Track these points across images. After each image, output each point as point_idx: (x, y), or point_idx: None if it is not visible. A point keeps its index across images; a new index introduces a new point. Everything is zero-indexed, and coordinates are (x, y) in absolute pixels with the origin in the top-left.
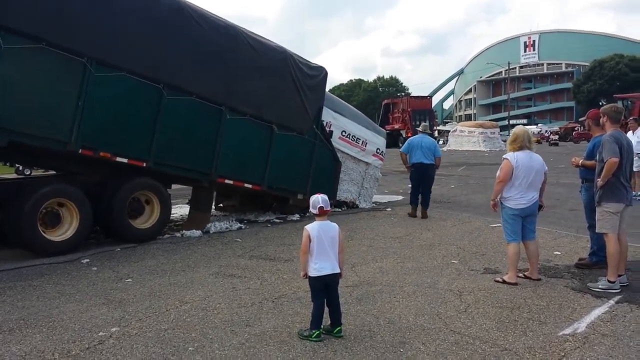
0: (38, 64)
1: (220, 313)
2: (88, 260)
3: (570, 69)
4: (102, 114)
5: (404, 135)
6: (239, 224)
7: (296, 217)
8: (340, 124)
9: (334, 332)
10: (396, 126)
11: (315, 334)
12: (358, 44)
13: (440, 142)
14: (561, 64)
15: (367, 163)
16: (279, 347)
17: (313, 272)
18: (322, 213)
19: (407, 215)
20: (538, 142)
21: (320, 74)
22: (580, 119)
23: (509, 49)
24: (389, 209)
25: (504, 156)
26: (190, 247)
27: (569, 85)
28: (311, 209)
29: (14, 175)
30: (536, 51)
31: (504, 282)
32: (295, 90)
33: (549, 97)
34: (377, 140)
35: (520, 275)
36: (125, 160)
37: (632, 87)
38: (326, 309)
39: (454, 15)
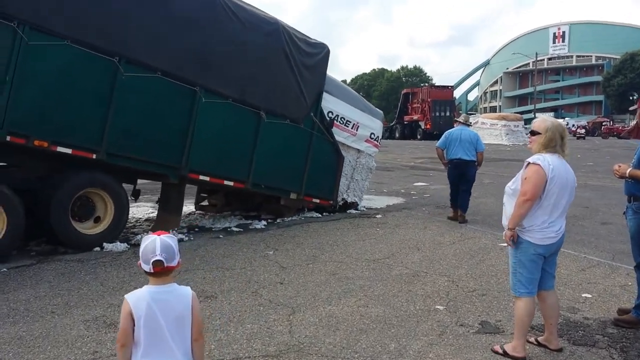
0: None
1: None
2: None
3: (600, 61)
4: (36, 91)
5: (422, 127)
6: (179, 235)
7: (261, 224)
8: (326, 103)
9: None
10: (415, 117)
11: None
12: (384, 33)
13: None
14: (591, 56)
15: (358, 150)
16: None
17: None
18: (160, 271)
19: (396, 227)
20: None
21: (321, 51)
22: (631, 108)
23: (537, 40)
24: (379, 216)
25: (530, 159)
26: (95, 269)
27: (598, 78)
28: (141, 264)
29: None
30: (566, 42)
31: (505, 354)
32: (290, 70)
33: (577, 90)
34: (371, 124)
35: (532, 341)
36: (68, 151)
37: None
38: None
39: (483, 5)
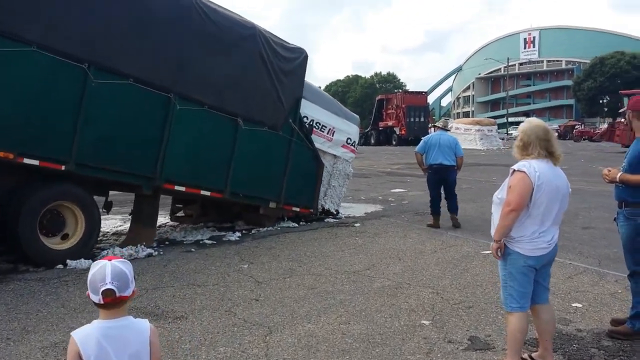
0: None
1: None
2: None
3: (570, 66)
4: None
5: (397, 133)
6: (148, 250)
7: (235, 236)
8: (301, 108)
9: None
10: (390, 123)
11: None
12: (357, 40)
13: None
14: (561, 61)
15: (334, 156)
16: None
17: None
18: (111, 302)
19: (375, 236)
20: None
21: (299, 56)
22: (621, 110)
23: (508, 45)
24: (358, 224)
25: (515, 167)
26: (56, 289)
27: (569, 82)
28: (90, 294)
29: None
30: (536, 48)
31: None
32: (267, 76)
33: (548, 94)
34: (347, 128)
35: (526, 357)
36: (35, 163)
37: (633, 85)
38: None
39: (455, 12)
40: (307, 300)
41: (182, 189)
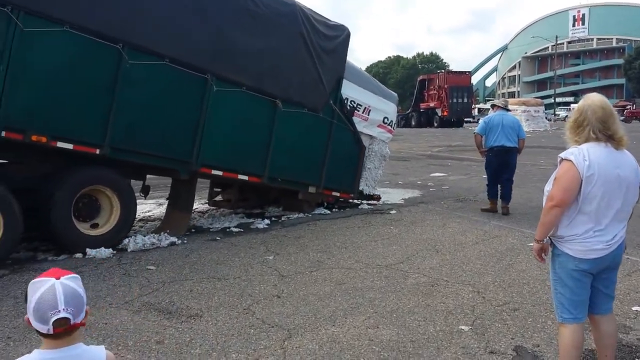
0: None
1: None
2: None
3: (621, 44)
4: (31, 84)
5: (439, 115)
6: (171, 238)
7: (264, 223)
8: None
9: None
10: (431, 104)
11: None
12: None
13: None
14: (612, 39)
15: (370, 136)
16: None
17: None
18: (64, 332)
19: (411, 225)
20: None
21: (341, 34)
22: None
23: (556, 23)
24: (394, 212)
25: (562, 155)
26: None
27: (619, 61)
28: (32, 321)
29: None
30: (586, 25)
31: None
32: (308, 55)
33: (597, 74)
34: (384, 107)
35: None
36: (69, 146)
37: None
38: None
39: None
40: (333, 298)
41: (219, 173)
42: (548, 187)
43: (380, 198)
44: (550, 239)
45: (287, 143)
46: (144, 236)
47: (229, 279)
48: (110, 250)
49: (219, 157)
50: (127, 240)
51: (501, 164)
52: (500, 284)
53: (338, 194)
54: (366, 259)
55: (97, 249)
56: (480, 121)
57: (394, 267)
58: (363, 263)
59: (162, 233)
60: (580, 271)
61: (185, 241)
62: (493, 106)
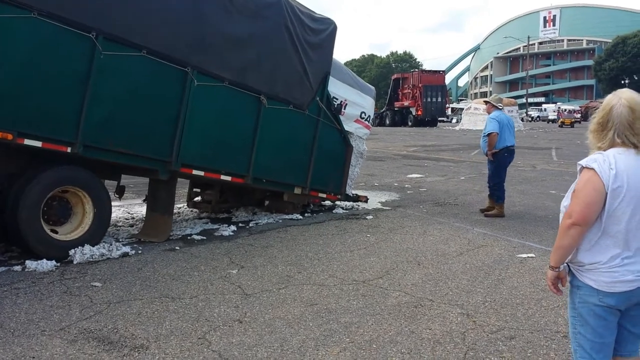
0: None
1: None
2: None
3: (591, 45)
4: None
5: (413, 114)
6: (123, 248)
7: (229, 230)
8: None
9: None
10: (406, 103)
11: None
12: (373, 20)
13: (453, 120)
14: (582, 40)
15: (347, 132)
16: None
17: None
18: None
19: (390, 232)
20: (563, 123)
21: (327, 28)
22: None
23: (528, 24)
24: (370, 217)
25: (582, 162)
26: (1, 300)
27: (589, 62)
28: None
29: None
30: (556, 26)
31: None
32: (293, 49)
33: (568, 74)
34: (361, 101)
35: None
36: (37, 144)
37: None
38: None
39: None
40: (303, 324)
41: (201, 173)
42: (565, 202)
43: (367, 199)
44: (569, 266)
45: (272, 141)
46: (93, 246)
47: (184, 298)
48: (54, 262)
49: (200, 156)
50: (72, 250)
51: (508, 165)
52: (491, 304)
53: (324, 196)
54: (341, 273)
55: (39, 261)
56: (492, 120)
57: (372, 284)
58: (338, 278)
59: (113, 242)
60: (605, 307)
61: (140, 251)
62: (487, 102)
